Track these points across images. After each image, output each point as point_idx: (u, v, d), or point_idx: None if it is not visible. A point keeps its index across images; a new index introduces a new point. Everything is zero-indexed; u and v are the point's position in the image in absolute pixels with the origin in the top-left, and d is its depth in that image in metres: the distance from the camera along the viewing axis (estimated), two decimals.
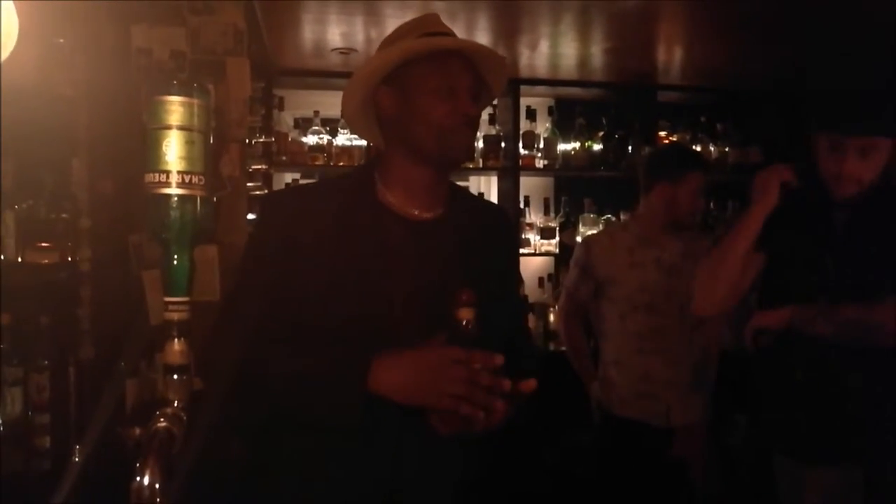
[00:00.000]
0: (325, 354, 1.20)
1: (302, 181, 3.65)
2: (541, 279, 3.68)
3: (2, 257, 1.70)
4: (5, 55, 0.55)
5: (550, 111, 3.77)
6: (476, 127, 1.35)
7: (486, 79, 1.37)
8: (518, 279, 1.59)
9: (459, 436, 1.19)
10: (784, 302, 1.80)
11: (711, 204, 3.91)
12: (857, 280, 1.74)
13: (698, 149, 3.86)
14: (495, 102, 3.74)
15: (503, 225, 1.54)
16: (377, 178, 1.35)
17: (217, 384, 1.15)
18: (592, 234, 3.05)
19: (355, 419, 1.16)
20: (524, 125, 3.66)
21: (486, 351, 1.14)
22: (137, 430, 0.82)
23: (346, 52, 3.13)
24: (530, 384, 1.18)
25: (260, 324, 1.22)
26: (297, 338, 1.23)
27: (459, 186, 1.50)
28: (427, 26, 1.35)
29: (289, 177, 3.74)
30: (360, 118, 1.41)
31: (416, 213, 1.34)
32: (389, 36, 1.39)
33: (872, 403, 1.75)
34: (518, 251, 1.64)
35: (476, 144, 3.61)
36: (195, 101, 0.81)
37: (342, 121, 3.52)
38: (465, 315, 1.19)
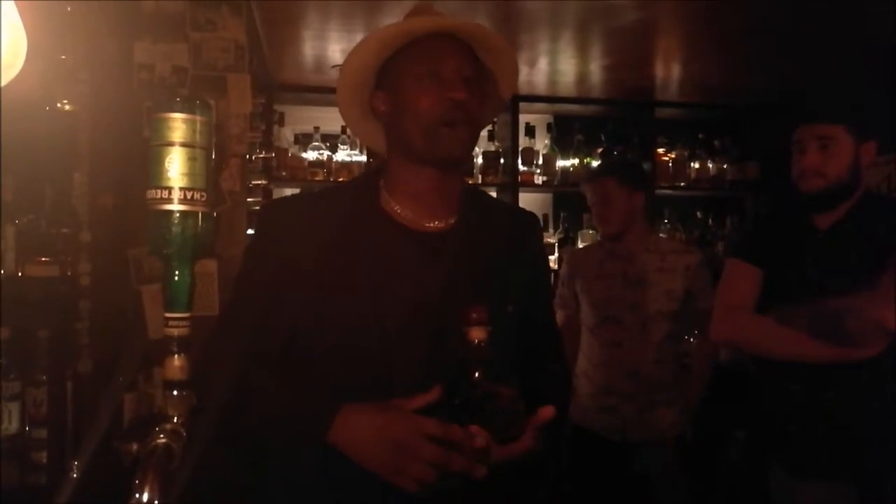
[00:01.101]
0: (297, 393, 1.13)
1: None
2: None
3: (2, 271, 1.71)
4: (10, 77, 0.56)
5: (549, 128, 3.79)
6: (472, 117, 1.19)
7: (491, 66, 1.27)
8: (549, 291, 1.45)
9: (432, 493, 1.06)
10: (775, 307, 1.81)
11: (710, 220, 3.92)
12: (842, 284, 1.74)
13: (696, 165, 3.89)
14: (494, 119, 3.76)
15: (528, 232, 1.38)
16: (382, 187, 1.26)
17: (211, 400, 1.08)
18: (575, 248, 3.13)
19: (312, 469, 1.11)
20: (523, 141, 3.67)
21: (465, 428, 1.03)
22: (135, 445, 0.82)
23: None
24: (547, 412, 1.08)
25: (255, 339, 1.16)
26: (287, 359, 1.17)
27: (479, 191, 1.39)
28: (416, 13, 1.25)
29: (288, 192, 3.74)
30: (366, 128, 1.33)
31: (424, 223, 1.23)
32: None
33: (866, 417, 1.74)
34: (547, 260, 1.47)
35: (475, 160, 3.62)
36: (198, 117, 0.81)
37: (342, 136, 3.53)
38: (477, 335, 1.08)
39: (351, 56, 1.24)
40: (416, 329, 1.16)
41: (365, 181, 1.31)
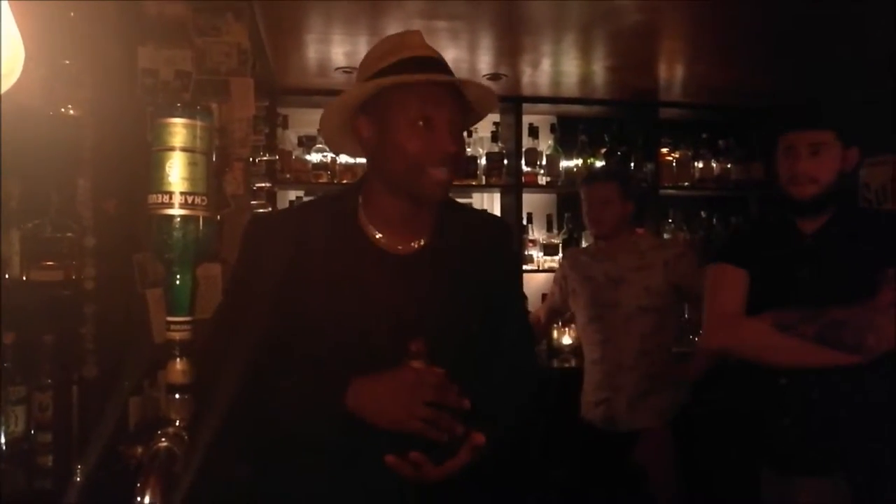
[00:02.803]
0: (306, 374, 1.21)
1: (305, 199, 3.66)
2: (544, 295, 3.67)
3: (7, 276, 1.71)
4: (8, 85, 0.56)
5: (553, 128, 3.79)
6: (457, 164, 1.27)
7: (472, 104, 1.32)
8: (518, 295, 1.53)
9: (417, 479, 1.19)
10: (762, 311, 1.81)
11: (714, 220, 3.92)
12: (831, 288, 1.77)
13: (700, 165, 3.88)
14: (497, 120, 3.76)
15: (500, 240, 1.45)
16: (360, 206, 1.32)
17: (211, 406, 1.12)
18: (569, 250, 3.28)
19: (333, 438, 1.17)
20: (527, 142, 3.67)
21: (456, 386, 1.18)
22: (140, 449, 0.82)
23: (349, 70, 3.15)
24: (478, 439, 1.19)
25: (245, 347, 1.19)
26: (276, 366, 1.22)
27: (453, 202, 1.42)
28: (410, 49, 1.28)
29: (293, 194, 3.76)
30: (343, 141, 1.38)
31: (398, 246, 1.30)
32: (369, 54, 1.33)
33: (857, 409, 1.75)
34: (518, 265, 1.56)
35: (479, 161, 3.63)
36: (198, 123, 0.82)
37: None
38: (416, 367, 1.20)
39: (347, 92, 1.29)
40: (388, 346, 1.22)
41: (345, 197, 1.35)
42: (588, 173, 3.46)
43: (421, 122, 1.22)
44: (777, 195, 1.90)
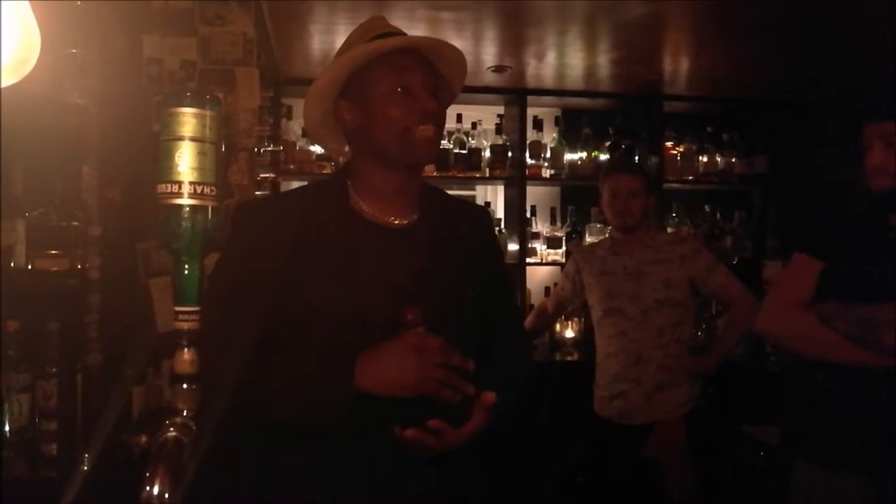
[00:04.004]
0: (309, 356, 1.20)
1: None
2: (547, 288, 3.68)
3: (12, 264, 1.72)
4: (24, 73, 0.56)
5: (557, 121, 3.78)
6: (440, 122, 1.32)
7: (445, 73, 1.36)
8: (502, 276, 1.57)
9: (431, 457, 1.21)
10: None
11: (718, 214, 3.91)
12: None
13: (704, 159, 3.87)
14: (501, 112, 3.75)
15: (481, 225, 1.51)
16: (350, 186, 1.35)
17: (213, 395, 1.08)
18: (580, 246, 3.32)
19: (342, 421, 1.16)
20: (531, 135, 3.66)
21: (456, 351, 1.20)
22: (144, 438, 0.82)
23: None
24: (489, 397, 1.21)
25: (239, 334, 1.19)
26: (272, 348, 1.21)
27: (434, 188, 1.47)
28: (375, 30, 1.34)
29: (296, 184, 3.75)
30: (325, 132, 1.41)
31: (390, 220, 1.33)
32: (340, 48, 1.38)
33: (889, 411, 1.69)
34: (499, 249, 1.58)
35: (483, 154, 3.62)
36: (208, 112, 0.81)
37: None
38: (419, 332, 1.20)
39: (325, 73, 1.32)
40: (391, 317, 1.23)
41: (333, 181, 1.40)
42: (611, 164, 3.47)
43: (399, 89, 1.27)
44: (859, 187, 1.85)
